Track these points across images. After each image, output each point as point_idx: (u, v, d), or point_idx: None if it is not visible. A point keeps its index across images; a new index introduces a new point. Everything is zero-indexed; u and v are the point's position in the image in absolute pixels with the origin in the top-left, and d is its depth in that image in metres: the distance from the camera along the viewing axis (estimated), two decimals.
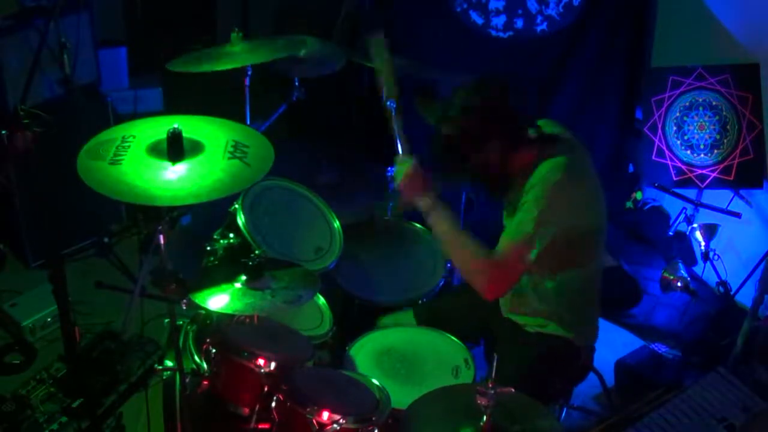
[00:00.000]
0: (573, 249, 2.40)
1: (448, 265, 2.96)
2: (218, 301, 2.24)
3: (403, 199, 2.48)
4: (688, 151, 3.86)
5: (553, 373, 2.55)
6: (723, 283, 3.71)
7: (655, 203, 4.30)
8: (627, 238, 4.18)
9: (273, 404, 2.21)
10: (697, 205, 3.91)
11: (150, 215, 2.19)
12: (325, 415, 2.11)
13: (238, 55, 2.96)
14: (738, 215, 3.77)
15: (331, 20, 4.15)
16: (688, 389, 2.59)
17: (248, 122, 3.34)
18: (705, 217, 3.90)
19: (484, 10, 3.78)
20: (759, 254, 3.52)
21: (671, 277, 3.68)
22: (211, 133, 2.20)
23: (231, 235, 2.64)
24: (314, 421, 2.11)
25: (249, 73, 3.25)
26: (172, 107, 4.37)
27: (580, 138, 2.48)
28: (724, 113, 3.80)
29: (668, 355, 3.37)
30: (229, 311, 2.24)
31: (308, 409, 2.13)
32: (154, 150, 2.08)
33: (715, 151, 3.83)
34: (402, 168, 2.44)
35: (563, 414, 2.87)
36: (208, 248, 2.59)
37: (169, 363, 2.45)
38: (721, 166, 3.81)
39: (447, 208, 2.38)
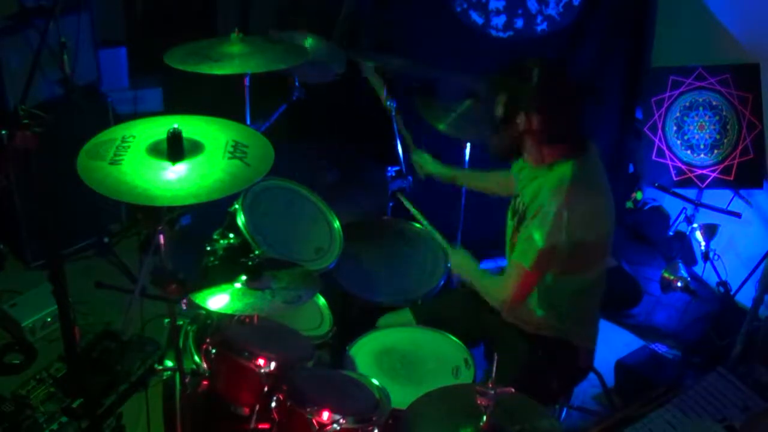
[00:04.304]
0: (580, 258, 2.41)
1: (448, 264, 2.96)
2: (218, 301, 2.24)
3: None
4: (688, 151, 3.86)
5: (552, 374, 2.55)
6: (723, 283, 3.71)
7: (655, 203, 4.30)
8: (627, 238, 4.18)
9: (273, 404, 2.21)
10: (697, 205, 3.91)
11: (150, 215, 2.19)
12: (325, 415, 2.12)
13: (237, 58, 2.96)
14: (738, 215, 3.77)
15: (331, 20, 4.15)
16: (688, 389, 2.59)
17: (248, 122, 3.34)
18: (705, 217, 3.90)
19: (484, 10, 3.77)
20: (759, 254, 3.52)
21: (671, 277, 3.68)
22: (211, 133, 2.20)
23: (231, 235, 2.64)
24: (314, 421, 2.11)
25: (249, 73, 3.24)
26: (172, 107, 4.37)
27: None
28: (724, 113, 3.79)
29: (668, 355, 3.37)
30: (229, 311, 2.24)
31: (308, 409, 2.13)
32: (154, 150, 2.08)
33: (715, 151, 3.82)
34: (459, 261, 2.74)
35: (563, 414, 2.87)
36: (208, 248, 2.58)
37: (169, 363, 2.45)
38: (721, 166, 3.81)
39: (476, 266, 2.70)
